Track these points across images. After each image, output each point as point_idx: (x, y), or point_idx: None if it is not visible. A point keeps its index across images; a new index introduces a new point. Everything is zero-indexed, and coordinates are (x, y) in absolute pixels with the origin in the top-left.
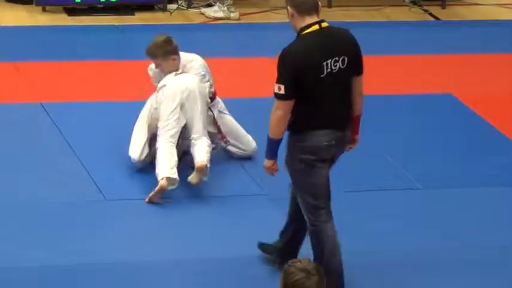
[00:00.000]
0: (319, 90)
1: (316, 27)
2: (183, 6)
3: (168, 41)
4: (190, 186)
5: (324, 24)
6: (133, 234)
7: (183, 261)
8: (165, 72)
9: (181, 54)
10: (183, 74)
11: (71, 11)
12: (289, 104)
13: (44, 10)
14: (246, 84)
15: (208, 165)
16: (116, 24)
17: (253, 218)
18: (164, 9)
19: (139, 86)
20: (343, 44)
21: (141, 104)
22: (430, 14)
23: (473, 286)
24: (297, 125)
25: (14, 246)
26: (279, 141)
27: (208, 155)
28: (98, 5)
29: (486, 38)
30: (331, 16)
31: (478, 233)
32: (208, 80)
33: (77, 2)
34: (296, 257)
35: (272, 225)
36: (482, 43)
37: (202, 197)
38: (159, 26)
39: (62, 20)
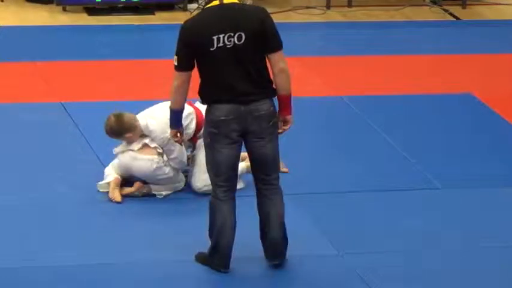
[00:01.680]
0: (210, 64)
1: (216, 2)
2: (202, 5)
3: (118, 122)
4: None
5: (227, 0)
6: (153, 234)
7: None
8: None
9: (140, 121)
10: (141, 160)
11: (91, 11)
12: (184, 75)
13: (64, 10)
14: None
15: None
16: (136, 23)
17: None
18: (184, 9)
19: (160, 85)
20: (241, 21)
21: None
22: (451, 14)
23: (491, 287)
24: (203, 97)
25: (34, 245)
26: (178, 112)
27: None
28: (118, 5)
29: (506, 37)
30: (351, 16)
31: (498, 233)
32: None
33: (97, 2)
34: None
35: (287, 222)
36: (502, 43)
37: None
38: (179, 26)
39: (83, 19)
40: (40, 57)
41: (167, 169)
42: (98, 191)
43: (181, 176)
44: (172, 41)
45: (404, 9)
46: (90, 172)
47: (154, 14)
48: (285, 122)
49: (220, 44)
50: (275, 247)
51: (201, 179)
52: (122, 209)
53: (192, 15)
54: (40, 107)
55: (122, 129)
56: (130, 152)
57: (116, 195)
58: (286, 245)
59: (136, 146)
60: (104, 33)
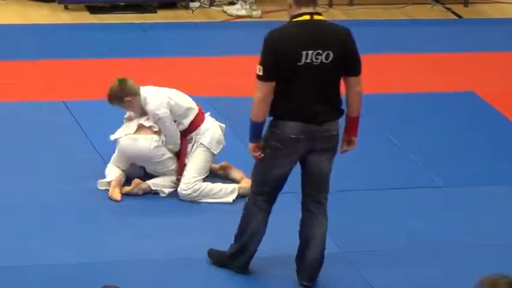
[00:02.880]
0: (294, 79)
1: (307, 17)
2: (205, 4)
3: (121, 85)
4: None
5: (317, 17)
6: (158, 231)
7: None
8: (136, 114)
9: (141, 91)
10: (140, 140)
11: (93, 9)
12: (268, 86)
13: (66, 8)
14: None
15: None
16: (138, 22)
17: (286, 216)
18: (186, 7)
19: (161, 83)
20: (331, 40)
21: None
22: (453, 12)
23: None
24: (273, 111)
25: (35, 244)
26: (259, 124)
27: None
28: (120, 3)
29: (509, 35)
30: (352, 14)
31: (500, 231)
32: (175, 119)
33: (99, 0)
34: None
35: (290, 220)
36: (504, 41)
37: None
38: (181, 24)
39: (84, 18)
40: (42, 55)
41: (164, 149)
42: (98, 189)
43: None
44: (174, 39)
45: (406, 8)
46: (92, 171)
47: (156, 13)
48: (350, 143)
49: (308, 60)
50: (313, 270)
51: (187, 181)
52: (123, 207)
53: (279, 27)
54: (42, 105)
55: (124, 93)
56: (129, 135)
57: (116, 194)
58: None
59: (132, 128)
60: (106, 32)
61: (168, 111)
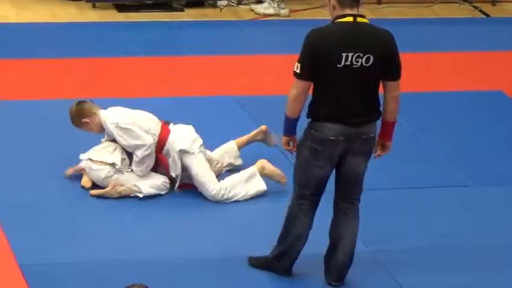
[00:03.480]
0: (333, 80)
1: (350, 19)
2: (233, 2)
3: (78, 107)
4: None
5: (360, 19)
6: (175, 230)
7: (233, 257)
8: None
9: (101, 112)
10: (93, 168)
11: (121, 8)
12: (304, 85)
13: (94, 6)
14: None
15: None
16: (166, 20)
17: (317, 215)
18: (214, 6)
19: (188, 81)
20: (372, 43)
21: (190, 100)
22: (480, 11)
23: None
24: (312, 112)
25: (55, 242)
26: (294, 120)
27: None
28: (148, 2)
29: None
30: (380, 13)
31: None
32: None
33: None
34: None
35: (319, 218)
36: None
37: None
38: (209, 23)
39: (112, 16)
40: (69, 54)
41: (123, 176)
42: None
43: (163, 179)
44: (201, 37)
45: (434, 6)
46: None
47: (183, 11)
48: (384, 147)
49: (348, 63)
50: (341, 270)
51: (215, 187)
52: (145, 203)
53: (321, 27)
54: (69, 103)
55: (81, 115)
56: (87, 161)
57: (85, 180)
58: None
59: (96, 153)
60: (133, 30)
61: (130, 123)
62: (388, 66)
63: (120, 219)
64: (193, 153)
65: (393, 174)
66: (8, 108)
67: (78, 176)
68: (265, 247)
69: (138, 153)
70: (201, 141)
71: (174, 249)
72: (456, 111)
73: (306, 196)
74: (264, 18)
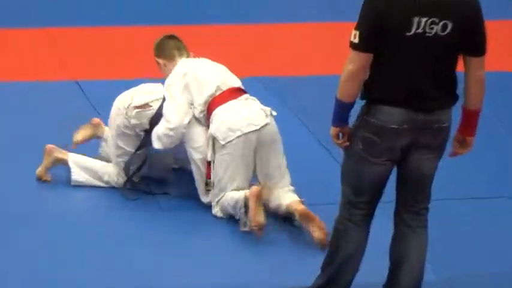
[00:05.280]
0: (399, 52)
1: None
2: None
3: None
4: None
5: None
6: (178, 252)
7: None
8: None
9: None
10: None
11: None
12: (363, 58)
13: None
14: None
15: None
16: None
17: (372, 231)
18: None
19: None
20: (452, 6)
21: None
22: None
23: None
24: (369, 92)
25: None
26: (346, 105)
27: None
28: None
29: None
30: None
31: None
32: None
33: None
34: None
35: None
36: None
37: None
38: None
39: None
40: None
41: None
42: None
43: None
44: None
45: None
46: None
47: None
48: (464, 144)
49: (420, 30)
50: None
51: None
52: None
53: None
54: (53, 85)
55: (157, 51)
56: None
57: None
58: None
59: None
60: None
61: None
62: (470, 38)
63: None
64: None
65: (464, 181)
66: None
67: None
68: (302, 275)
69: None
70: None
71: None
72: None
73: (359, 204)
74: None
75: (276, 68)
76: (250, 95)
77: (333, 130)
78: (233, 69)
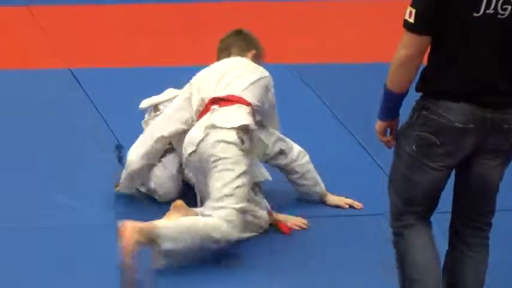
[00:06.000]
0: (465, 36)
1: None
2: None
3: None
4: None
5: None
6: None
7: None
8: None
9: None
10: None
11: None
12: (420, 41)
13: None
14: None
15: None
16: None
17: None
18: None
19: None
20: None
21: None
22: None
23: None
24: (427, 84)
25: None
26: (397, 96)
27: None
28: None
29: None
30: None
31: None
32: None
33: None
34: None
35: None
36: None
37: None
38: None
39: None
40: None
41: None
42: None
43: None
44: None
45: None
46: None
47: None
48: None
49: (490, 11)
50: None
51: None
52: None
53: None
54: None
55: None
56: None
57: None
58: None
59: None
60: None
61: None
62: None
63: None
64: None
65: None
66: None
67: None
68: None
69: None
70: None
71: None
72: None
73: (412, 211)
74: None
75: (311, 55)
76: (279, 85)
77: (379, 125)
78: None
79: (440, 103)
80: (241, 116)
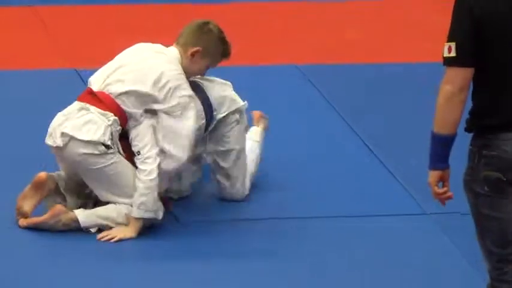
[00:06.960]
0: (507, 59)
1: None
2: None
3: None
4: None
5: None
6: None
7: None
8: None
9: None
10: None
11: None
12: (463, 73)
13: None
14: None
15: None
16: None
17: (415, 245)
18: None
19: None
20: None
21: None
22: None
23: None
24: (477, 120)
25: None
26: (446, 139)
27: None
28: None
29: None
30: None
31: None
32: None
33: None
34: None
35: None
36: None
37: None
38: None
39: None
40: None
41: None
42: None
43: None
44: None
45: None
46: None
47: None
48: None
49: None
50: None
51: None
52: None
53: None
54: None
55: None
56: None
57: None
58: None
59: None
60: None
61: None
62: None
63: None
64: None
65: None
66: None
67: None
68: None
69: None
70: None
71: None
72: None
73: (509, 256)
74: None
75: (316, 55)
76: (282, 86)
77: (432, 176)
78: (267, 55)
79: (498, 137)
80: (94, 131)
